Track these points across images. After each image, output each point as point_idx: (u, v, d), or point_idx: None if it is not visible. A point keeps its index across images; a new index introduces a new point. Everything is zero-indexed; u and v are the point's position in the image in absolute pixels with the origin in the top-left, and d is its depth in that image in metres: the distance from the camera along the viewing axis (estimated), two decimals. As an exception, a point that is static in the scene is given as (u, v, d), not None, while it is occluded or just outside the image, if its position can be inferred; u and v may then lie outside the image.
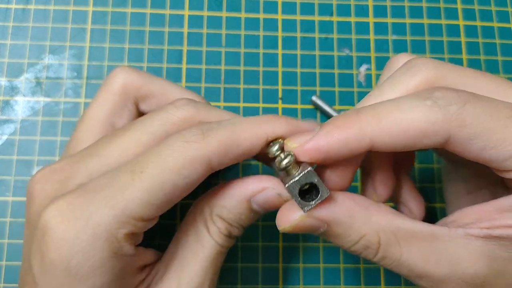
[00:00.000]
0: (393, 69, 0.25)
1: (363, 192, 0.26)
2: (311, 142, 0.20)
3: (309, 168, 0.20)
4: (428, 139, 0.20)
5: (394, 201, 0.28)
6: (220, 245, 0.24)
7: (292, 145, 0.21)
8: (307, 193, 0.21)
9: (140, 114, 0.27)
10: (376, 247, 0.21)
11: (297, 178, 0.20)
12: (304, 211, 0.20)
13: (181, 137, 0.21)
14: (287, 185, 0.20)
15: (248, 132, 0.22)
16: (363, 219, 0.21)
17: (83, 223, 0.19)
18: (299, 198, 0.20)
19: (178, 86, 0.28)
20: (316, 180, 0.20)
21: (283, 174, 0.22)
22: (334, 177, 0.22)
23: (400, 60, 0.25)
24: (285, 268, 0.32)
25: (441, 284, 0.21)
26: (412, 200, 0.27)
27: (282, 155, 0.21)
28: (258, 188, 0.23)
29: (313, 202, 0.20)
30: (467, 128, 0.19)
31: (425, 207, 0.28)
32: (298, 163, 0.21)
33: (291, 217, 0.21)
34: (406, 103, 0.20)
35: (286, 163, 0.20)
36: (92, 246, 0.19)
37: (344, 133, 0.20)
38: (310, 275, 0.32)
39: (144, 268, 0.24)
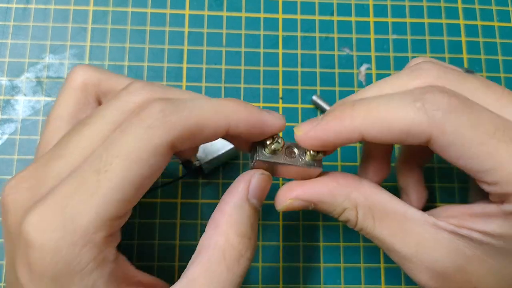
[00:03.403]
0: None
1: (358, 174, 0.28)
2: (312, 132, 0.23)
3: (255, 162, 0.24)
4: (411, 138, 0.21)
5: (399, 188, 0.30)
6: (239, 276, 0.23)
7: (298, 132, 0.24)
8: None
9: None
10: (355, 220, 0.24)
11: (264, 152, 0.24)
12: (253, 162, 0.24)
13: (142, 123, 0.20)
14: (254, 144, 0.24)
15: (212, 120, 0.22)
16: (343, 197, 0.24)
17: (59, 234, 0.19)
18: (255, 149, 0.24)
19: (139, 81, 0.27)
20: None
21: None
22: (373, 173, 0.27)
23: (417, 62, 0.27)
24: (285, 267, 0.32)
25: (406, 262, 0.23)
26: (414, 192, 0.29)
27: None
28: (246, 183, 0.23)
29: (254, 158, 0.24)
30: (446, 135, 0.20)
31: (425, 201, 0.29)
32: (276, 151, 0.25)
33: (284, 200, 0.24)
34: (396, 101, 0.22)
35: (274, 147, 0.24)
36: (72, 255, 0.19)
37: (339, 125, 0.22)
38: (310, 274, 0.32)
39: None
